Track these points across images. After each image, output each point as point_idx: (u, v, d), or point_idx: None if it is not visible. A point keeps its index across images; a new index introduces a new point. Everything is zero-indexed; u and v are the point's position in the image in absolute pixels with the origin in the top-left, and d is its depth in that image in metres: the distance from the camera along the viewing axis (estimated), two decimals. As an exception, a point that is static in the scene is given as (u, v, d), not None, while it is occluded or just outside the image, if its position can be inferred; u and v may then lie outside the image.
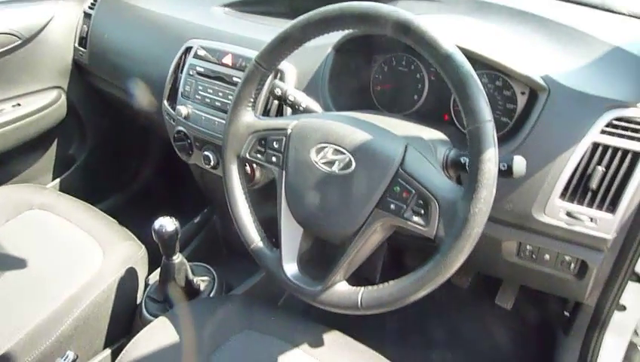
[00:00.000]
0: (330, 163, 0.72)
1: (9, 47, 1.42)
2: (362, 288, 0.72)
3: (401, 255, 1.51)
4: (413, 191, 0.66)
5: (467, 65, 0.62)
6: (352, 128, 0.72)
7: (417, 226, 0.66)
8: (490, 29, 0.95)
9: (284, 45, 0.77)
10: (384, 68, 1.04)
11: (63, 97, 1.59)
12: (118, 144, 1.84)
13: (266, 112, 1.04)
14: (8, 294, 1.04)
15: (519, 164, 0.68)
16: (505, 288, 1.38)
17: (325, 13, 0.70)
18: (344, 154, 0.71)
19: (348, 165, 0.71)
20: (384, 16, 0.66)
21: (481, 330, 1.44)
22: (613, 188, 0.77)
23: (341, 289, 0.74)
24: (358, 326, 1.02)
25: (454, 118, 0.98)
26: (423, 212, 0.66)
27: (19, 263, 1.11)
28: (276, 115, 1.03)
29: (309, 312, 1.10)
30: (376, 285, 0.71)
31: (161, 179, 1.91)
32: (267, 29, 1.15)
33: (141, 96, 1.36)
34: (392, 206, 0.68)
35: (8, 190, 1.36)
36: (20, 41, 1.44)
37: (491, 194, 0.62)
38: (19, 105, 1.49)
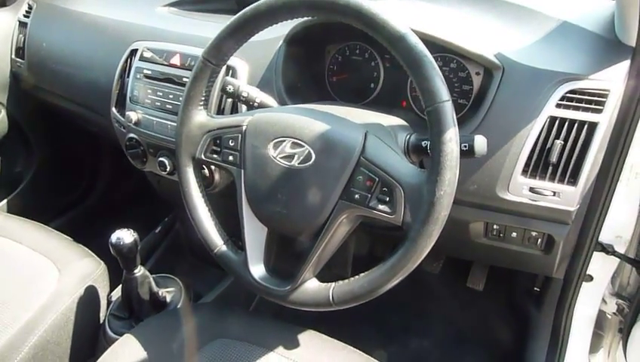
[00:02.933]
0: (290, 157, 0.70)
1: None
2: (333, 283, 0.70)
3: (371, 247, 1.50)
4: (377, 179, 0.65)
5: (421, 46, 0.61)
6: (309, 120, 0.70)
7: (383, 214, 0.65)
8: (440, 12, 0.95)
9: (231, 38, 0.74)
10: (338, 58, 1.02)
11: (3, 112, 1.50)
12: (67, 157, 1.75)
13: (220, 111, 1.00)
14: (-43, 325, 0.97)
15: (480, 143, 0.68)
16: (475, 270, 1.40)
17: (272, 2, 0.67)
18: (303, 146, 0.69)
19: (308, 158, 0.68)
20: (333, 2, 0.64)
21: (455, 314, 1.45)
22: (572, 161, 0.78)
23: (311, 287, 0.72)
24: (332, 323, 1.00)
25: (412, 104, 0.97)
26: (388, 199, 0.64)
27: None
28: (231, 113, 1.00)
29: (282, 314, 1.07)
30: (347, 279, 0.69)
31: (116, 191, 1.83)
32: (215, 26, 1.10)
33: (88, 105, 1.29)
34: (357, 196, 0.66)
35: (-52, 217, 1.28)
36: None
37: (455, 176, 0.61)
38: (-46, 124, 1.39)
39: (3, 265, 1.11)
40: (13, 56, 1.46)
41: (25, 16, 1.44)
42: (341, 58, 1.02)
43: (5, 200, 1.58)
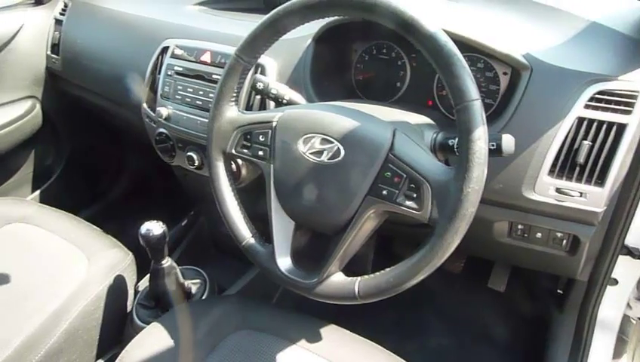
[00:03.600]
0: (319, 153, 0.71)
1: None
2: (359, 277, 0.71)
3: (391, 244, 1.51)
4: (405, 176, 0.66)
5: (451, 44, 0.62)
6: (338, 116, 0.71)
7: (410, 210, 0.66)
8: (467, 12, 0.95)
9: (263, 36, 0.75)
10: (365, 57, 1.03)
11: (38, 106, 1.55)
12: (96, 151, 1.80)
13: (248, 108, 1.02)
14: (-7, 310, 1.01)
15: (508, 142, 0.68)
16: (497, 270, 1.39)
17: (304, 1, 0.69)
18: (332, 143, 0.70)
19: (336, 154, 0.70)
20: (364, 2, 0.65)
21: (476, 314, 1.45)
22: (600, 162, 0.78)
23: (337, 280, 0.73)
24: (353, 318, 1.01)
25: (438, 103, 0.97)
26: (415, 196, 0.65)
27: (1, 279, 1.08)
28: (259, 110, 1.02)
29: (304, 307, 1.09)
30: (373, 274, 0.70)
31: (143, 184, 1.88)
32: (243, 25, 1.13)
33: (119, 100, 1.33)
34: (384, 192, 0.67)
35: (-15, 205, 1.32)
36: None
37: (483, 173, 0.61)
38: (-8, 116, 1.45)
39: (36, 253, 1.15)
40: (48, 53, 1.51)
41: (61, 14, 1.48)
42: (368, 57, 1.03)
43: (38, 191, 1.64)
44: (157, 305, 1.12)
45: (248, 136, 0.78)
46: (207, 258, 1.49)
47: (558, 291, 1.25)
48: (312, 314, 0.97)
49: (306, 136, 0.72)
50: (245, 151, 0.79)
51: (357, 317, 1.02)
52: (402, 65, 1.00)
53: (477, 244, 1.03)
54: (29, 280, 1.07)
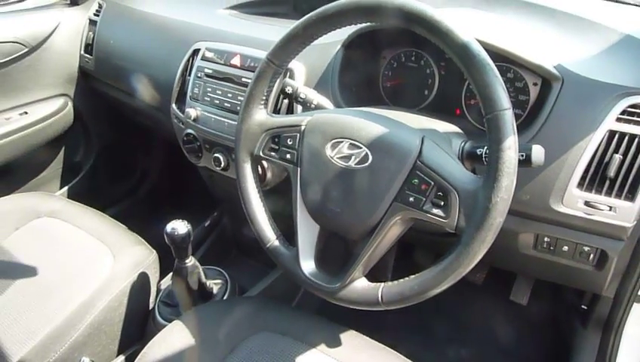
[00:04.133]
0: (347, 157, 0.71)
1: (15, 55, 1.42)
2: (382, 283, 0.71)
3: (411, 252, 1.50)
4: (432, 183, 0.66)
5: (484, 54, 0.62)
6: (367, 122, 0.72)
7: (437, 218, 0.65)
8: (498, 21, 0.95)
9: (296, 41, 0.76)
10: (393, 64, 1.04)
11: (70, 104, 1.59)
12: (124, 149, 1.84)
13: (276, 111, 1.03)
14: (20, 302, 1.04)
15: (538, 153, 0.67)
16: (519, 283, 1.37)
17: (339, 7, 0.69)
18: (360, 148, 0.70)
19: (364, 159, 0.70)
20: (397, 8, 0.65)
21: (497, 327, 1.43)
22: (631, 176, 0.77)
23: (361, 286, 0.73)
24: (372, 324, 1.01)
25: (466, 112, 0.97)
26: (442, 203, 0.65)
27: (30, 271, 1.11)
28: (287, 113, 1.03)
29: (324, 312, 1.09)
30: (397, 280, 0.70)
31: (168, 183, 1.91)
32: (273, 29, 1.15)
33: (149, 100, 1.36)
34: (411, 198, 0.67)
35: (17, 198, 1.36)
36: (26, 50, 1.44)
37: (512, 183, 0.61)
38: (26, 113, 1.49)
39: (63, 247, 1.18)
40: (82, 52, 1.55)
41: (95, 14, 1.52)
42: (396, 64, 1.03)
43: (66, 187, 1.68)
44: (179, 303, 1.14)
45: (276, 139, 0.79)
46: (228, 259, 1.51)
47: (583, 306, 1.22)
48: (332, 318, 0.97)
49: (334, 141, 0.73)
50: (273, 154, 0.80)
51: (376, 324, 1.02)
52: (431, 73, 1.00)
53: (501, 255, 1.01)
54: (56, 273, 1.10)
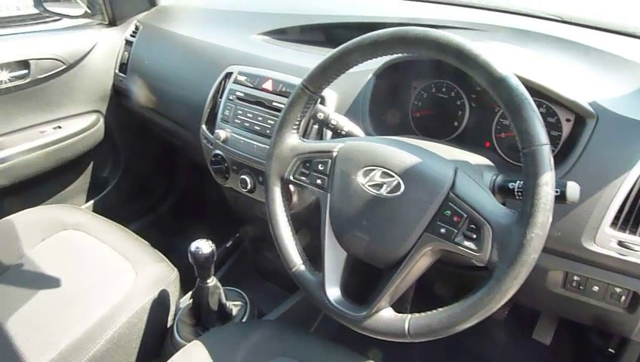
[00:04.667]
0: (378, 185, 0.71)
1: (54, 71, 1.47)
2: (409, 315, 0.70)
3: (430, 284, 1.48)
4: (465, 216, 0.65)
5: (522, 88, 0.62)
6: (400, 151, 0.72)
7: (469, 251, 0.65)
8: (531, 56, 0.95)
9: (332, 68, 0.77)
10: (423, 94, 1.04)
11: (101, 121, 1.64)
12: (149, 167, 1.87)
13: (305, 136, 1.04)
14: (42, 312, 1.05)
15: (573, 189, 0.67)
16: (543, 321, 1.33)
17: (376, 37, 0.71)
18: (392, 177, 0.70)
19: (396, 188, 0.70)
20: (435, 41, 0.66)
21: (519, 366, 1.39)
22: None
23: (387, 316, 0.72)
24: (389, 354, 0.99)
25: (496, 145, 0.97)
26: (474, 236, 0.65)
27: (53, 282, 1.12)
28: (316, 139, 1.04)
29: (342, 339, 1.07)
30: (424, 312, 0.69)
31: (190, 202, 1.92)
32: (305, 56, 1.17)
33: (179, 120, 1.38)
34: (442, 230, 0.67)
35: (45, 210, 1.39)
36: (64, 67, 1.49)
37: (548, 219, 0.60)
38: (59, 127, 1.53)
39: (86, 260, 1.19)
40: (116, 71, 1.59)
41: (131, 35, 1.57)
42: (426, 95, 1.04)
43: (92, 201, 1.70)
44: (198, 323, 1.13)
45: (307, 164, 0.80)
46: (248, 281, 1.51)
47: (610, 350, 1.18)
48: (350, 346, 0.96)
49: (366, 168, 0.73)
50: (303, 178, 0.81)
51: (395, 355, 1.00)
52: (461, 105, 1.00)
53: (527, 292, 0.98)
54: (78, 286, 1.11)
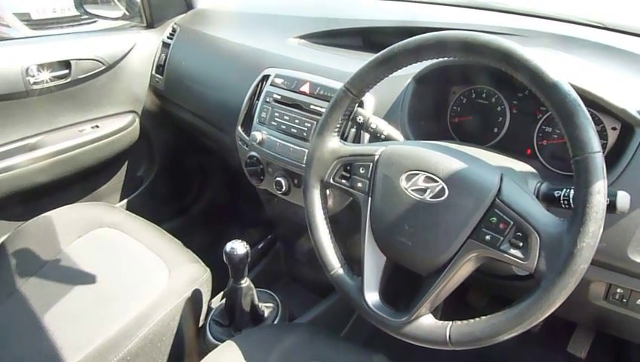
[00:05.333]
0: (422, 190, 0.71)
1: (94, 72, 1.51)
2: (450, 322, 0.69)
3: (460, 293, 1.46)
4: (512, 223, 0.64)
5: (574, 94, 0.61)
6: (444, 156, 0.71)
7: (515, 259, 0.64)
8: (577, 62, 0.93)
9: (374, 72, 0.77)
10: (463, 100, 1.03)
11: (137, 121, 1.67)
12: (183, 168, 1.89)
13: (343, 139, 1.04)
14: (78, 308, 1.07)
15: (623, 199, 0.65)
16: (579, 334, 1.30)
17: (422, 41, 0.70)
18: (437, 182, 0.70)
19: (440, 193, 0.69)
20: (485, 45, 0.65)
21: (552, 379, 1.36)
22: None
23: (427, 323, 0.71)
24: (421, 360, 0.98)
25: (538, 153, 0.95)
26: (521, 244, 0.63)
27: (89, 278, 1.14)
28: (353, 142, 1.04)
29: (372, 344, 1.07)
30: (466, 320, 0.68)
31: (223, 203, 1.94)
32: (343, 60, 1.17)
33: (214, 122, 1.40)
34: (488, 237, 0.66)
35: (81, 207, 1.42)
36: (103, 67, 1.52)
37: (599, 229, 0.59)
38: (97, 126, 1.56)
39: (122, 258, 1.21)
40: (153, 72, 1.62)
41: (169, 37, 1.60)
42: (466, 100, 1.03)
43: (125, 200, 1.74)
44: (230, 323, 1.14)
45: (348, 167, 0.80)
46: (279, 283, 1.51)
47: (650, 367, 1.15)
48: (382, 352, 0.95)
49: (409, 173, 0.72)
50: (344, 181, 0.80)
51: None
52: (502, 111, 0.98)
53: (567, 304, 0.96)
54: (114, 283, 1.13)
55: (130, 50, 1.58)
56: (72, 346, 0.99)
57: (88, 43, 1.53)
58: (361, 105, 1.01)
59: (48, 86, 1.41)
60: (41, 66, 1.39)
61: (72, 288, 1.11)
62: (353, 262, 0.83)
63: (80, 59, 1.47)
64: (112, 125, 1.59)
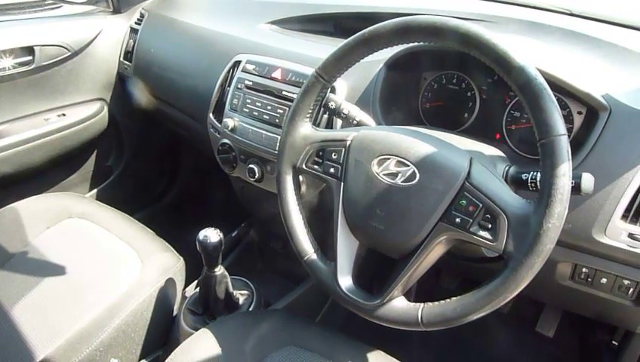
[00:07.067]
0: (393, 175, 0.71)
1: (58, 58, 1.46)
2: (422, 304, 0.70)
3: (432, 276, 1.48)
4: (481, 205, 0.65)
5: (540, 78, 0.62)
6: (415, 140, 0.72)
7: (484, 241, 0.65)
8: (544, 48, 0.95)
9: (346, 57, 0.77)
10: (433, 85, 1.04)
11: (106, 109, 1.63)
12: (153, 156, 1.86)
13: (315, 125, 1.03)
14: (49, 300, 1.05)
15: (588, 181, 0.67)
16: (547, 314, 1.34)
17: (392, 25, 0.70)
18: (408, 166, 0.70)
19: (411, 177, 0.70)
20: (453, 29, 0.66)
21: (521, 358, 1.40)
22: None
23: (399, 305, 0.72)
24: (397, 345, 0.99)
25: (507, 137, 0.97)
26: (490, 226, 0.65)
27: (59, 270, 1.12)
28: (326, 128, 1.03)
29: (348, 328, 1.08)
30: (437, 301, 0.69)
31: (196, 192, 1.92)
32: (315, 46, 1.16)
33: (185, 109, 1.37)
34: (458, 219, 0.67)
35: (48, 198, 1.38)
36: (68, 53, 1.48)
37: (565, 210, 0.61)
38: (64, 115, 1.52)
39: (92, 249, 1.19)
40: (121, 59, 1.58)
41: (136, 23, 1.56)
42: (437, 86, 1.04)
43: (95, 190, 1.70)
44: (204, 312, 1.13)
45: (321, 153, 0.80)
46: (254, 271, 1.51)
47: (614, 343, 1.19)
48: (357, 336, 0.96)
49: (381, 157, 0.73)
50: (316, 167, 0.80)
51: (400, 345, 1.00)
52: (472, 96, 1.00)
53: (535, 284, 0.99)
54: (85, 275, 1.11)
55: (97, 36, 1.54)
56: (43, 339, 0.97)
57: (52, 28, 1.48)
58: (333, 91, 1.02)
59: (10, 73, 1.37)
60: (3, 53, 1.34)
61: (41, 280, 1.08)
62: (329, 248, 0.84)
63: (44, 45, 1.42)
64: (80, 113, 1.55)
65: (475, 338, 1.42)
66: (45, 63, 1.43)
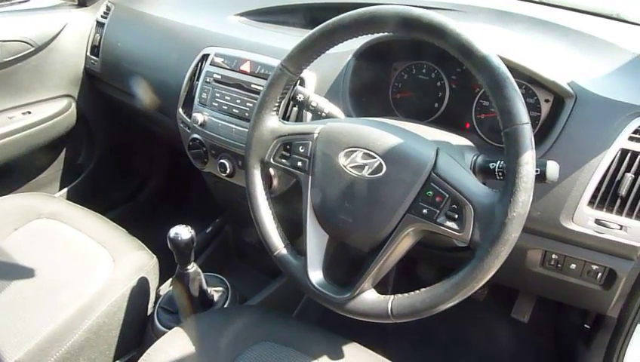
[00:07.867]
0: (360, 167, 0.71)
1: (21, 54, 1.42)
2: (392, 296, 0.70)
3: (413, 266, 1.49)
4: (447, 196, 0.65)
5: (503, 67, 0.62)
6: (381, 132, 0.71)
7: (451, 231, 0.65)
8: (512, 37, 0.95)
9: (311, 49, 0.76)
10: (403, 76, 1.04)
11: (73, 106, 1.59)
12: (125, 153, 1.83)
13: (285, 118, 1.03)
14: (17, 304, 1.02)
15: (552, 168, 0.67)
16: (521, 300, 1.36)
17: (357, 15, 0.69)
18: (374, 158, 0.70)
19: (378, 169, 0.69)
20: (417, 19, 0.65)
21: (498, 344, 1.42)
22: None
23: (370, 298, 0.72)
24: (373, 337, 1.00)
25: (476, 126, 0.97)
26: (457, 216, 0.65)
27: (28, 272, 1.09)
28: (296, 121, 1.02)
29: (325, 323, 1.08)
30: (407, 293, 0.69)
31: (169, 188, 1.90)
32: (284, 38, 1.15)
33: (154, 104, 1.35)
34: (425, 210, 0.67)
35: (16, 198, 1.35)
36: (32, 49, 1.43)
37: (529, 198, 0.61)
38: (29, 113, 1.48)
39: (62, 250, 1.16)
40: (88, 54, 1.54)
41: (103, 16, 1.52)
42: (407, 76, 1.03)
43: (66, 189, 1.66)
44: (179, 310, 1.12)
45: (288, 147, 0.79)
46: (229, 266, 1.50)
47: (586, 326, 1.21)
48: (333, 329, 0.96)
49: (347, 150, 0.72)
50: (284, 161, 0.79)
51: (377, 337, 1.01)
52: (441, 86, 1.00)
53: (506, 272, 0.99)
54: (55, 276, 1.08)
55: (62, 30, 1.49)
56: (12, 344, 0.94)
57: (13, 23, 1.43)
58: (302, 83, 1.01)
59: (-31, 70, 1.32)
60: (-40, 49, 1.30)
61: (8, 283, 1.05)
62: (301, 242, 0.83)
63: (5, 41, 1.37)
64: (46, 111, 1.51)
65: (452, 327, 1.44)
66: (7, 60, 1.39)
